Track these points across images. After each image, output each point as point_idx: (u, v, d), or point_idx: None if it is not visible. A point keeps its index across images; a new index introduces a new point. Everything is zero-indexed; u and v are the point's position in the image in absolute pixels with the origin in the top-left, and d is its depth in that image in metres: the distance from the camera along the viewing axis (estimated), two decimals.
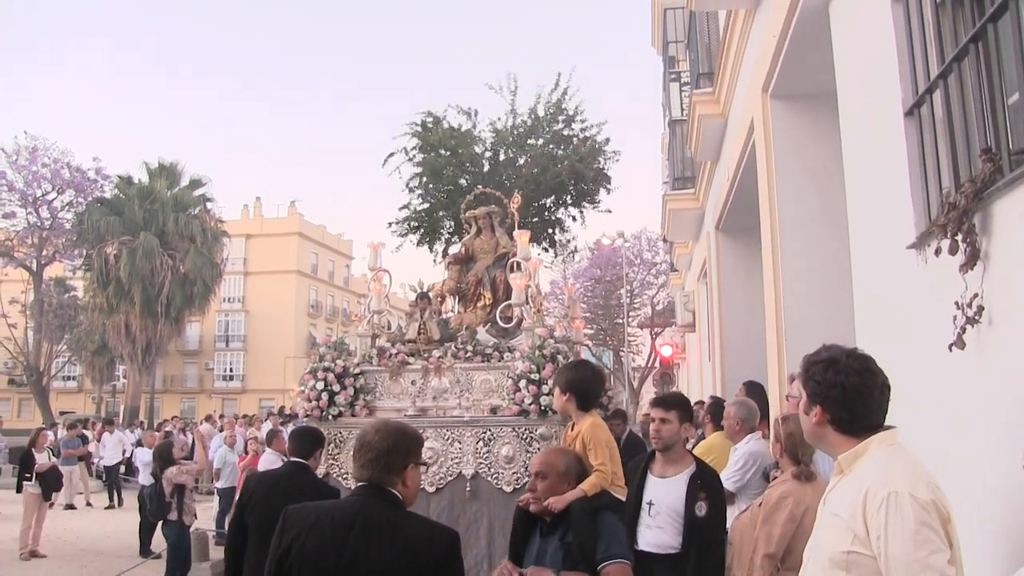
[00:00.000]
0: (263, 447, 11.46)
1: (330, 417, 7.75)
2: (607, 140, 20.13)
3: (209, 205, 42.70)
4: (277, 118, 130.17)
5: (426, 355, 7.78)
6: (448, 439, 7.19)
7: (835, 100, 5.38)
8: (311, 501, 3.39)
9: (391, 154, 19.57)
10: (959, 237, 3.19)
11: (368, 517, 3.00)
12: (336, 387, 7.71)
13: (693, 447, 8.92)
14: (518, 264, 7.92)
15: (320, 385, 7.71)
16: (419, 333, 8.01)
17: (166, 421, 27.45)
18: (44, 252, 38.77)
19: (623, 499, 4.45)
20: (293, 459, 5.94)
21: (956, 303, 3.21)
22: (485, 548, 6.83)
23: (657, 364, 34.37)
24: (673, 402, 4.96)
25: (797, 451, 4.46)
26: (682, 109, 13.44)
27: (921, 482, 2.45)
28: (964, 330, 3.18)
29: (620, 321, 38.76)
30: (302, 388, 7.87)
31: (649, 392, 39.08)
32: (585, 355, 12.24)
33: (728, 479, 6.31)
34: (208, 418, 24.63)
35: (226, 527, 8.34)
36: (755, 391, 7.61)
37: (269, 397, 54.94)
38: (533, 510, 4.06)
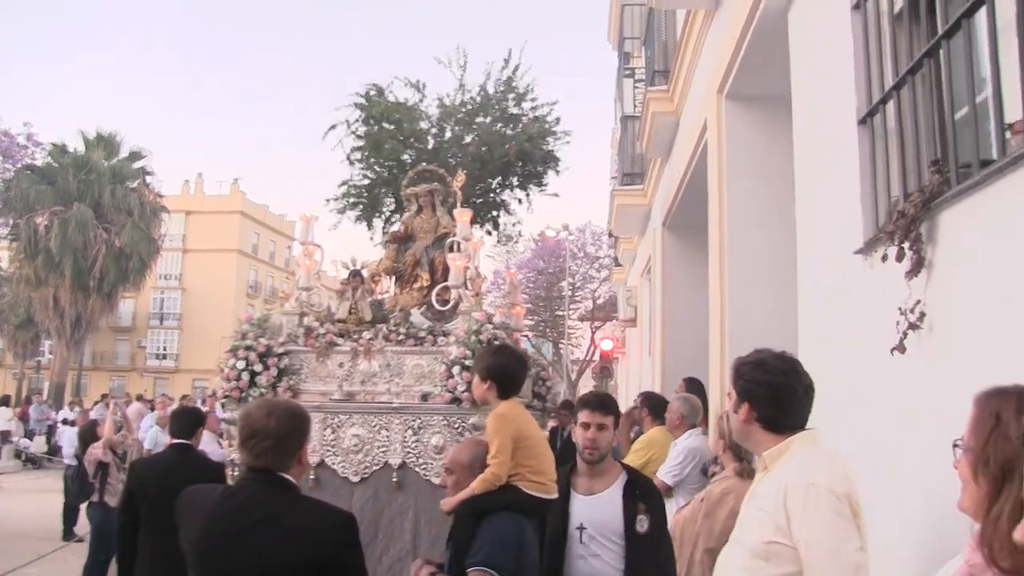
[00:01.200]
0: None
1: (250, 399, 7.04)
2: (557, 120, 19.30)
3: (149, 179, 41.64)
4: (222, 93, 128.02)
5: (356, 337, 7.33)
6: (375, 426, 6.80)
7: (789, 104, 5.47)
8: (199, 480, 3.42)
9: (332, 126, 18.54)
10: (906, 245, 3.29)
11: (262, 506, 2.90)
12: (258, 367, 7.18)
13: (633, 440, 9.05)
14: (458, 244, 7.56)
15: (241, 364, 7.20)
16: (349, 313, 7.60)
17: (104, 397, 26.81)
18: None
19: (543, 496, 4.01)
20: (176, 440, 6.25)
21: (900, 309, 3.31)
22: (410, 542, 6.49)
23: (596, 357, 34.60)
24: (612, 406, 4.41)
25: (739, 448, 4.56)
26: (635, 105, 13.53)
27: (838, 477, 2.66)
28: (906, 335, 3.29)
29: (561, 313, 38.96)
30: (221, 367, 7.39)
31: (587, 385, 39.43)
32: (525, 345, 12.14)
33: (667, 473, 6.42)
34: (139, 398, 24.13)
35: None
36: (695, 387, 7.74)
37: (203, 377, 54.05)
38: (443, 507, 3.95)
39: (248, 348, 7.24)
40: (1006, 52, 2.67)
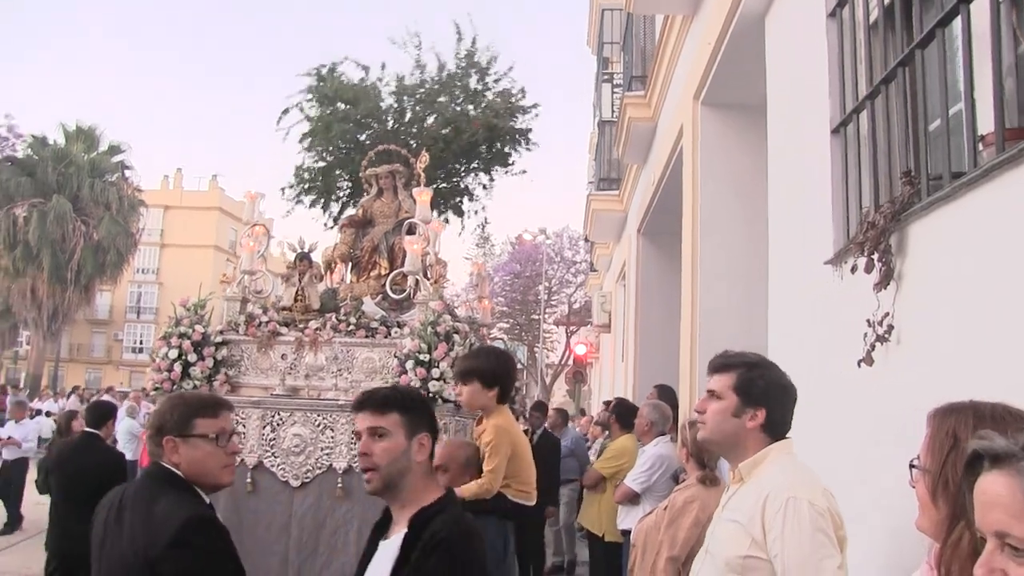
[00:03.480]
0: None
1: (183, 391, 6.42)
2: (523, 91, 17.17)
3: (127, 173, 41.59)
4: (203, 90, 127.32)
5: (302, 326, 6.72)
6: (319, 425, 6.17)
7: (765, 112, 5.45)
8: (101, 466, 3.48)
9: (286, 110, 16.60)
10: (875, 256, 3.25)
11: (133, 497, 2.78)
12: (192, 357, 6.56)
13: (602, 449, 9.00)
14: (416, 226, 6.98)
15: (173, 354, 6.55)
16: (295, 300, 6.96)
17: (75, 389, 26.57)
18: None
19: (524, 503, 4.11)
20: (86, 429, 6.77)
21: (868, 320, 3.27)
22: (355, 555, 4.99)
23: (571, 362, 34.61)
24: (395, 401, 2.70)
25: (703, 456, 4.51)
26: (612, 110, 13.51)
27: (818, 490, 2.57)
28: (874, 347, 3.25)
29: (536, 317, 38.96)
30: (153, 356, 6.75)
31: (561, 389, 39.49)
32: (500, 345, 11.97)
33: (634, 480, 6.38)
34: (109, 390, 23.86)
35: None
36: (666, 395, 7.70)
37: None
38: None
39: (182, 336, 6.62)
40: (980, 62, 2.62)
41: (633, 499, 6.40)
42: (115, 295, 57.32)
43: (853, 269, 3.46)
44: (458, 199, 17.32)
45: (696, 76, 7.20)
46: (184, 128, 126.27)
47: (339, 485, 6.01)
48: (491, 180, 17.38)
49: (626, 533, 6.25)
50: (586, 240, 24.70)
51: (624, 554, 6.32)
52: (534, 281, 38.95)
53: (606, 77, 14.69)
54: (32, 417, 20.35)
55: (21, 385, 35.69)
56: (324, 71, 16.46)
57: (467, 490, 3.88)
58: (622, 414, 7.68)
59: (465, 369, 4.42)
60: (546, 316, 38.63)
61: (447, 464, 4.06)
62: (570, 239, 39.79)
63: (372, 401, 2.64)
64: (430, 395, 5.90)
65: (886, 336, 3.17)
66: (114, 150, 40.91)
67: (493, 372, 4.14)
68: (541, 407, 10.48)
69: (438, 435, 2.78)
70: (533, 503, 4.21)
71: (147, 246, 53.98)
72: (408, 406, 2.65)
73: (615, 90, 13.71)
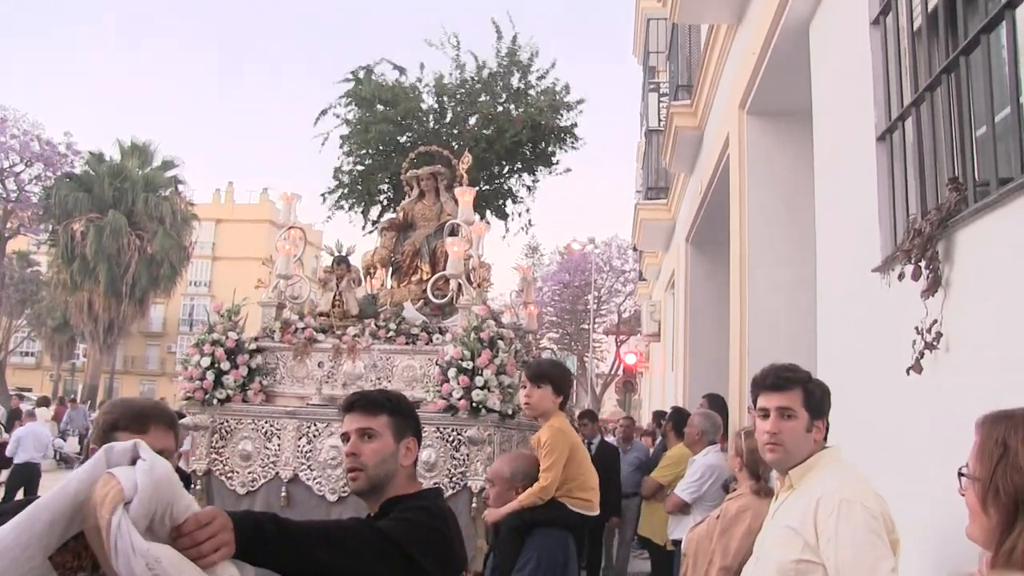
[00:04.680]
0: None
1: (215, 402, 6.31)
2: (567, 87, 16.03)
3: (180, 187, 42.29)
4: (254, 103, 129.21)
5: (339, 333, 6.45)
6: None
7: (810, 120, 5.44)
8: None
9: (323, 112, 15.80)
10: (922, 263, 3.24)
11: None
12: (225, 365, 6.29)
13: (653, 456, 8.98)
14: (458, 228, 6.69)
15: (206, 361, 6.29)
16: (333, 305, 6.70)
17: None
18: (8, 225, 38.22)
19: (586, 513, 3.98)
20: None
21: (916, 328, 3.26)
22: None
23: (620, 372, 34.48)
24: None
25: (758, 467, 4.48)
26: (659, 119, 13.49)
27: (871, 494, 2.59)
28: (922, 355, 3.23)
29: (586, 327, 38.86)
30: (185, 364, 6.48)
31: (611, 399, 39.32)
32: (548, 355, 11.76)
33: (685, 490, 6.37)
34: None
35: None
36: (716, 404, 7.67)
37: None
38: (485, 519, 3.94)
39: (215, 343, 6.38)
40: None
41: (683, 509, 6.38)
42: (168, 308, 58.22)
43: (900, 276, 3.44)
44: (501, 202, 16.52)
45: (741, 85, 7.19)
46: (235, 142, 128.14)
47: None
48: (535, 181, 16.46)
49: (677, 543, 6.23)
50: (635, 249, 24.59)
51: (675, 563, 6.30)
52: (583, 291, 38.86)
53: (652, 86, 14.66)
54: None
55: (77, 398, 36.42)
56: (361, 74, 15.86)
57: (524, 497, 3.81)
58: (678, 423, 7.65)
59: (540, 372, 4.29)
60: (596, 326, 38.52)
61: (492, 477, 3.99)
62: (619, 248, 39.63)
63: (362, 402, 2.62)
64: (473, 405, 5.71)
65: (935, 343, 3.16)
66: (167, 165, 41.63)
67: (562, 380, 4.13)
68: (591, 415, 10.39)
69: (422, 441, 2.77)
70: (596, 512, 4.10)
71: (199, 259, 54.79)
72: (397, 409, 2.63)
73: (661, 99, 13.69)
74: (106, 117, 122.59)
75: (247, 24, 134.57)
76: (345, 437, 2.62)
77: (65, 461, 22.87)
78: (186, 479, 6.82)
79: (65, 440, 23.95)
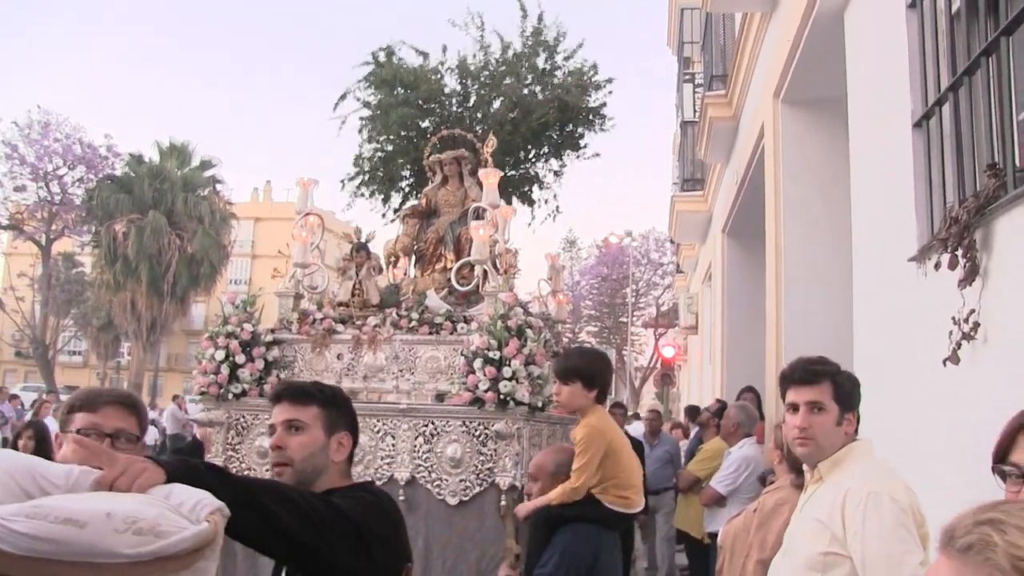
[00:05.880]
0: None
1: (231, 396, 6.06)
2: (595, 67, 15.53)
3: (219, 187, 42.73)
4: (291, 101, 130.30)
5: (359, 323, 6.16)
6: (379, 432, 5.60)
7: (845, 108, 5.36)
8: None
9: (343, 96, 15.40)
10: (959, 252, 3.17)
11: None
12: (240, 358, 6.05)
13: (693, 451, 8.92)
14: (483, 211, 6.40)
15: (220, 355, 6.05)
16: (352, 295, 6.40)
17: (175, 398, 27.22)
18: (53, 227, 38.97)
19: (624, 511, 3.84)
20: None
21: (953, 318, 3.19)
22: (420, 575, 5.22)
23: (659, 365, 34.35)
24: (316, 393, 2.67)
25: (798, 460, 4.42)
26: (695, 110, 13.39)
27: (899, 486, 2.55)
28: (960, 345, 3.17)
29: (624, 320, 38.78)
30: (200, 358, 6.28)
31: (650, 392, 39.23)
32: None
33: (720, 483, 6.34)
34: (175, 398, 24.28)
35: None
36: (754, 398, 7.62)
37: None
38: (517, 513, 3.87)
39: (230, 335, 6.14)
40: None
41: (719, 501, 6.34)
42: (209, 306, 58.90)
43: (937, 266, 3.38)
44: (527, 188, 16.02)
45: (775, 74, 7.11)
46: (273, 140, 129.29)
47: (401, 498, 5.33)
48: (562, 166, 15.92)
49: (713, 535, 6.19)
50: (672, 242, 24.47)
51: (711, 556, 6.26)
52: (621, 284, 38.82)
53: (687, 77, 14.55)
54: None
55: None
56: (381, 56, 15.25)
57: (555, 494, 3.71)
58: (718, 415, 7.63)
59: (567, 368, 4.04)
60: (634, 319, 38.44)
61: (535, 472, 3.94)
62: (656, 241, 39.54)
63: (291, 392, 2.49)
64: (500, 397, 5.39)
65: (972, 334, 3.09)
66: (206, 165, 42.08)
67: (594, 372, 3.90)
68: (619, 406, 10.33)
69: (359, 437, 2.66)
70: (638, 508, 3.92)
71: (238, 257, 55.26)
72: (329, 401, 2.49)
73: (696, 90, 13.59)
74: (145, 118, 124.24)
75: (279, 18, 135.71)
76: (272, 429, 2.46)
77: None
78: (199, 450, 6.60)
79: None
